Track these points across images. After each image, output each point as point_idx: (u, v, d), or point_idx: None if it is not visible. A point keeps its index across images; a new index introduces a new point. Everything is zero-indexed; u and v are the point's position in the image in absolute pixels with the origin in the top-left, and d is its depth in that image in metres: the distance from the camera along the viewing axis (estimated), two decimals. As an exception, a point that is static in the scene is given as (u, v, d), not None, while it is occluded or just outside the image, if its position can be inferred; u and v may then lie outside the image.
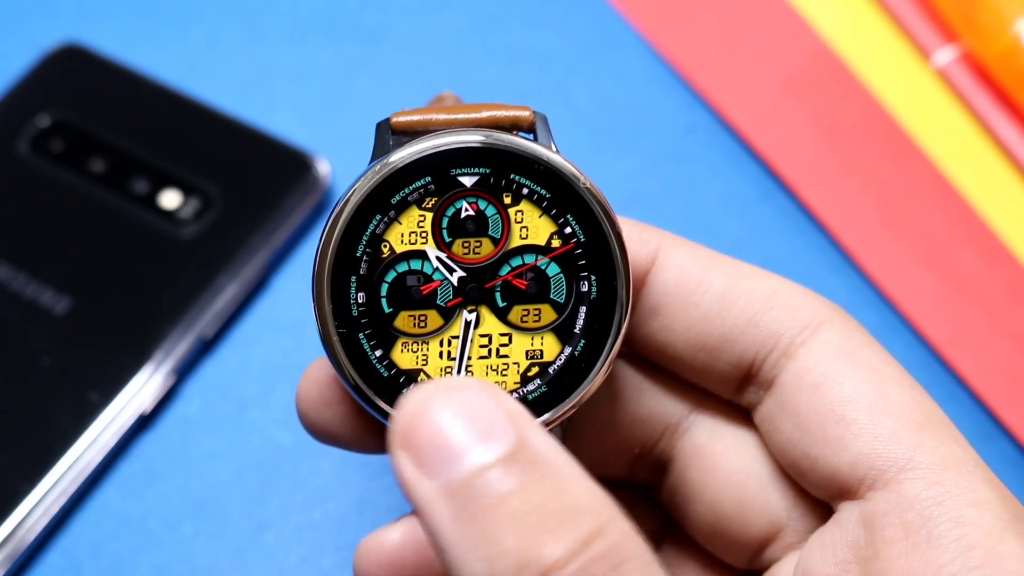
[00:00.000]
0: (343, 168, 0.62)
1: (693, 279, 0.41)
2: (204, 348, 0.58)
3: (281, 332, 0.59)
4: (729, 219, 0.61)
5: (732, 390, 0.42)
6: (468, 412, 0.34)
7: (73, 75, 0.64)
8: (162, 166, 0.61)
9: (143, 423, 0.56)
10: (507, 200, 0.39)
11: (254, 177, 0.61)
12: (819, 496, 0.40)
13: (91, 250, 0.59)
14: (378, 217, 0.39)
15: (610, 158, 0.63)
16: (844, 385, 0.39)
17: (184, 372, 0.57)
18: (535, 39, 0.67)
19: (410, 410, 0.34)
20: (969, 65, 0.63)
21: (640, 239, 0.42)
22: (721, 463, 0.43)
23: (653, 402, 0.43)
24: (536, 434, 0.34)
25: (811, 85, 0.64)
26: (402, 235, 0.39)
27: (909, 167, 0.61)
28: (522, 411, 0.34)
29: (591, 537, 0.32)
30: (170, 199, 0.60)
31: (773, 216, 0.61)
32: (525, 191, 0.39)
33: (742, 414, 0.43)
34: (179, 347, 0.57)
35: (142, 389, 0.56)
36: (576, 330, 0.40)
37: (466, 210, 0.39)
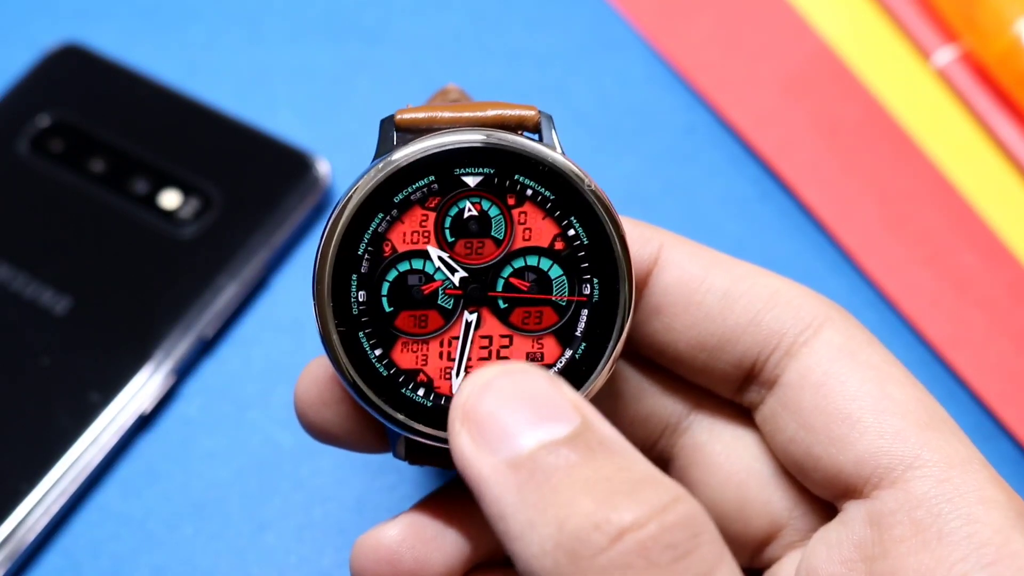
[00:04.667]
0: (343, 168, 0.62)
1: (694, 278, 0.41)
2: (204, 348, 0.58)
3: (281, 332, 0.59)
4: (729, 219, 0.61)
5: (733, 389, 0.42)
6: (531, 395, 0.35)
7: (73, 75, 0.64)
8: (162, 166, 0.61)
9: (143, 423, 0.56)
10: (511, 201, 0.39)
11: (254, 177, 0.61)
12: (822, 495, 0.40)
13: (91, 250, 0.59)
14: (380, 215, 0.39)
15: (610, 158, 0.63)
16: (848, 384, 0.39)
17: (184, 372, 0.57)
18: (535, 39, 0.67)
19: (473, 388, 0.35)
20: (969, 65, 0.63)
21: (641, 238, 0.42)
22: (721, 462, 0.43)
23: (653, 401, 0.43)
24: (600, 420, 0.35)
25: (811, 85, 0.64)
26: (404, 234, 0.39)
27: (909, 167, 0.61)
28: (584, 401, 0.35)
29: (671, 503, 0.33)
30: (170, 199, 0.60)
31: (773, 216, 0.61)
32: (529, 192, 0.39)
33: (742, 413, 0.43)
34: (179, 347, 0.57)
35: (142, 389, 0.56)
36: (577, 333, 0.39)
37: (469, 210, 0.39)
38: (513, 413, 0.35)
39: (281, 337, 0.59)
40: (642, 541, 0.32)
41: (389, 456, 0.55)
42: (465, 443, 0.35)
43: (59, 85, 0.64)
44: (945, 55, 0.63)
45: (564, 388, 0.36)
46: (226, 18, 0.68)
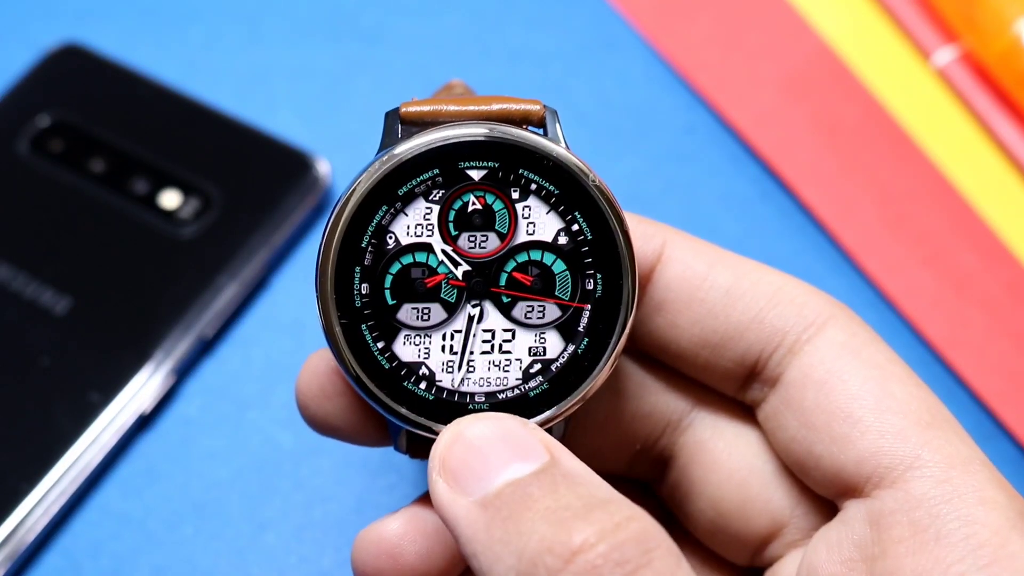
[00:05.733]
0: (343, 168, 0.62)
1: (698, 275, 0.41)
2: (204, 348, 0.58)
3: (281, 332, 0.59)
4: (729, 219, 0.61)
5: (735, 387, 0.42)
6: (502, 437, 0.36)
7: (73, 75, 0.64)
8: (162, 166, 0.61)
9: (143, 423, 0.56)
10: (515, 195, 0.39)
11: (254, 177, 0.61)
12: (823, 494, 0.40)
13: (91, 250, 0.59)
14: (384, 208, 0.39)
15: (610, 158, 0.63)
16: (850, 382, 0.39)
17: (184, 372, 0.57)
18: (535, 39, 0.67)
19: (447, 437, 0.37)
20: (969, 65, 0.63)
21: (645, 235, 0.42)
22: (723, 460, 0.43)
23: (655, 398, 0.43)
24: (568, 457, 0.36)
25: (811, 85, 0.64)
26: (408, 227, 0.39)
27: (909, 167, 0.61)
28: (554, 440, 0.36)
29: (623, 521, 0.33)
30: (170, 199, 0.60)
31: (773, 216, 0.61)
32: (533, 186, 0.39)
33: (744, 411, 0.43)
34: (179, 347, 0.57)
35: (142, 389, 0.56)
36: (580, 328, 0.39)
37: (473, 204, 0.39)
38: (486, 456, 0.36)
39: (281, 337, 0.59)
40: (592, 560, 0.32)
41: (389, 456, 0.55)
42: (442, 490, 0.36)
43: (59, 85, 0.64)
44: (945, 55, 0.63)
45: (535, 430, 0.37)
46: (226, 18, 0.68)
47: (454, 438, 0.36)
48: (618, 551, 0.32)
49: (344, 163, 0.62)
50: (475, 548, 0.34)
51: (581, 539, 0.33)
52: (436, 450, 0.37)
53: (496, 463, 0.35)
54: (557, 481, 0.35)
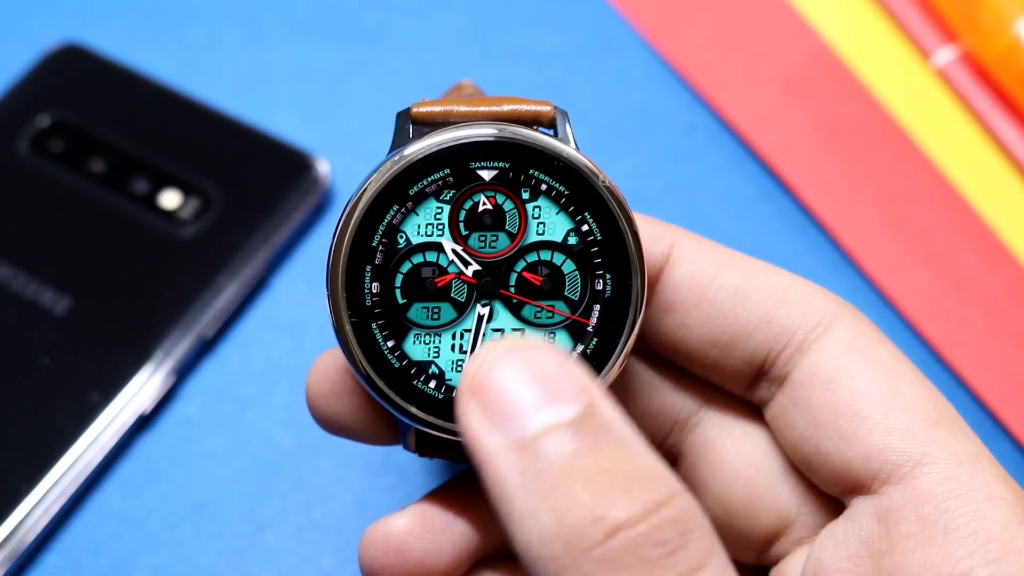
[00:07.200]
0: (343, 168, 0.62)
1: (707, 275, 0.41)
2: (204, 348, 0.58)
3: (281, 332, 0.59)
4: (729, 219, 0.62)
5: (743, 386, 0.42)
6: (540, 373, 0.35)
7: (73, 75, 0.64)
8: (162, 166, 0.61)
9: (143, 423, 0.56)
10: (525, 195, 0.39)
11: (254, 177, 0.61)
12: (830, 491, 0.41)
13: (91, 250, 0.59)
14: (395, 208, 0.39)
15: (610, 158, 0.62)
16: (857, 381, 0.39)
17: (184, 372, 0.57)
18: (535, 39, 0.67)
19: (483, 360, 0.35)
20: (969, 65, 0.63)
21: (654, 235, 0.42)
22: (730, 458, 0.43)
23: (663, 397, 0.44)
24: (606, 403, 0.35)
25: (811, 85, 0.64)
26: (419, 226, 0.39)
27: (909, 167, 0.61)
28: (592, 379, 0.35)
29: (664, 500, 0.33)
30: (170, 199, 0.60)
31: (773, 216, 0.62)
32: (544, 187, 0.39)
33: (752, 410, 0.43)
34: (179, 347, 0.57)
35: (142, 389, 0.55)
36: (589, 328, 0.40)
37: (484, 204, 0.39)
38: (522, 390, 0.34)
39: (281, 337, 0.59)
40: (634, 538, 0.32)
41: (389, 456, 0.55)
42: (474, 417, 0.35)
43: (59, 85, 0.64)
44: (945, 55, 0.64)
45: (573, 367, 0.35)
46: (226, 18, 0.67)
47: (492, 361, 0.35)
48: (659, 531, 0.32)
49: (344, 163, 0.62)
50: (506, 491, 0.34)
51: (625, 515, 0.32)
52: (469, 369, 0.35)
53: (532, 400, 0.34)
54: (597, 435, 0.34)
